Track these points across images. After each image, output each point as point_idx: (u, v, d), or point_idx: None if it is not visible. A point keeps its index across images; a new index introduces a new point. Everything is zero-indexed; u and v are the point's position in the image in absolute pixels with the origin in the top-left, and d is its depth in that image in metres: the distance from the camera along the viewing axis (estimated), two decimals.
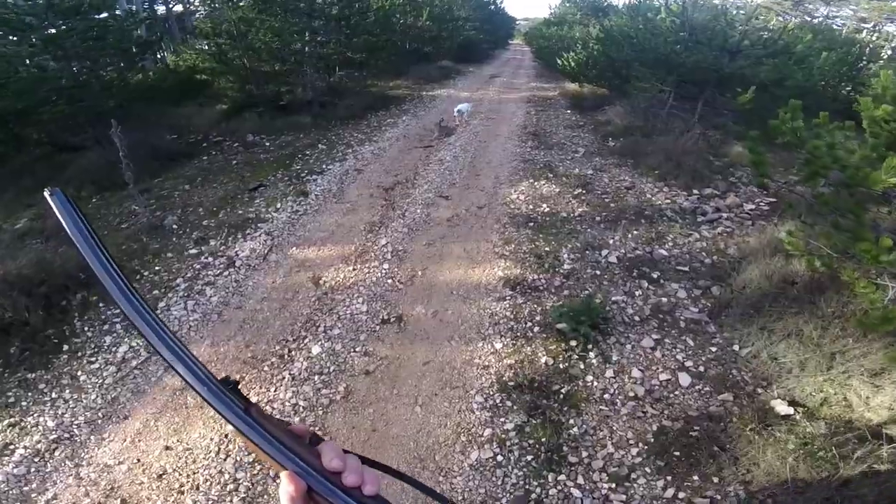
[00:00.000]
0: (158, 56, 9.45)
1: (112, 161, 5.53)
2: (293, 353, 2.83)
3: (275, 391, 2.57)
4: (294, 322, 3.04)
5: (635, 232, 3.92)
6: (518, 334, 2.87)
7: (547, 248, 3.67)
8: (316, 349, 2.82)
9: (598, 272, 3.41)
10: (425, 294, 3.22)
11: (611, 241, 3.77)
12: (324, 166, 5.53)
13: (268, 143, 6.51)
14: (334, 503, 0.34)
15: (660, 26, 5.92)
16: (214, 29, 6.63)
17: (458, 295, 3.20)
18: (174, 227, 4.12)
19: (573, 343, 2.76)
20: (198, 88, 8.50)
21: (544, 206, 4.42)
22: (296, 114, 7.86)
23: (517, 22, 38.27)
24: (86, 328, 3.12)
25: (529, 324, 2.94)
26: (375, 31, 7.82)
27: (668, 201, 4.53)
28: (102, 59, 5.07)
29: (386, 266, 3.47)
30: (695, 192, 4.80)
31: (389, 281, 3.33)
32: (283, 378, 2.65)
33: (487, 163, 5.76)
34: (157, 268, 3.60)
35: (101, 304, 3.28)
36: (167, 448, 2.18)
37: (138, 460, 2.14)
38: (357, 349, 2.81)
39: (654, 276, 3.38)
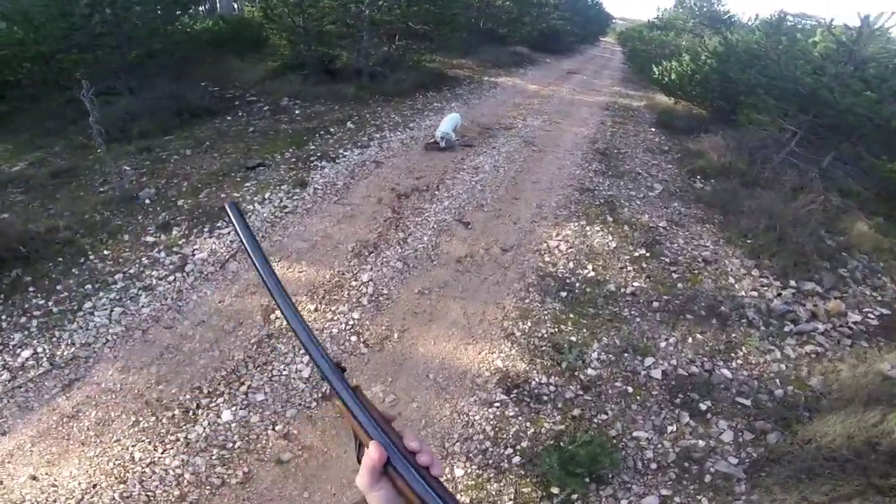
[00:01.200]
0: (205, 7, 9.14)
1: (135, 111, 5.21)
2: (200, 410, 2.19)
3: (161, 453, 1.99)
4: (220, 367, 2.39)
5: (699, 336, 2.81)
6: (489, 462, 2.03)
7: (573, 338, 2.67)
8: (227, 415, 2.16)
9: (629, 388, 2.41)
10: (393, 369, 2.42)
11: (662, 345, 2.71)
12: (341, 151, 4.79)
13: (297, 112, 5.88)
14: (406, 475, 0.41)
15: (809, 51, 4.42)
16: None
17: (434, 382, 2.36)
18: (147, 201, 3.59)
19: (554, 490, 1.91)
20: (258, 42, 8.09)
21: (589, 267, 3.36)
22: (342, 82, 7.18)
23: (614, 20, 35.63)
24: (3, 316, 2.66)
25: (510, 450, 2.08)
26: (439, 1, 6.79)
27: (755, 293, 3.31)
28: (134, 8, 4.70)
29: (356, 315, 2.69)
30: (791, 283, 3.51)
31: (353, 339, 2.55)
32: (177, 440, 2.06)
33: (534, 182, 4.73)
34: (105, 251, 3.08)
35: (30, 289, 2.81)
36: (34, 478, 1.90)
37: (1, 482, 1.89)
38: (278, 427, 2.12)
39: (703, 407, 2.35)
